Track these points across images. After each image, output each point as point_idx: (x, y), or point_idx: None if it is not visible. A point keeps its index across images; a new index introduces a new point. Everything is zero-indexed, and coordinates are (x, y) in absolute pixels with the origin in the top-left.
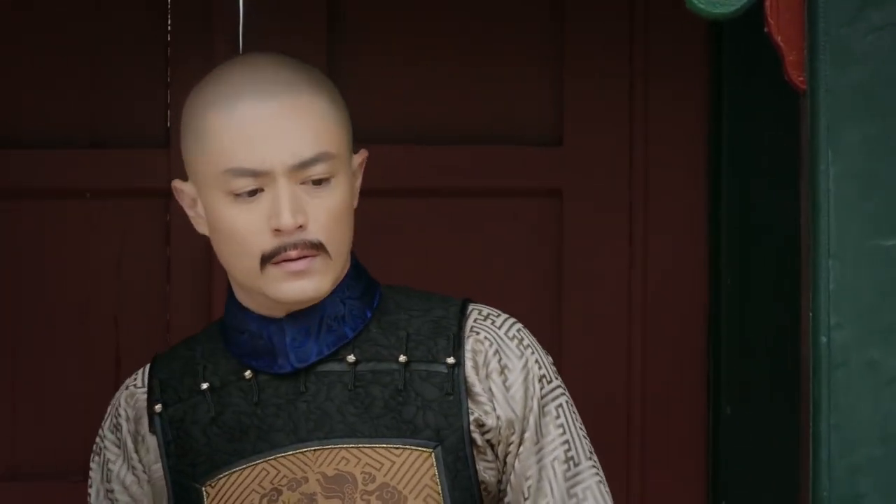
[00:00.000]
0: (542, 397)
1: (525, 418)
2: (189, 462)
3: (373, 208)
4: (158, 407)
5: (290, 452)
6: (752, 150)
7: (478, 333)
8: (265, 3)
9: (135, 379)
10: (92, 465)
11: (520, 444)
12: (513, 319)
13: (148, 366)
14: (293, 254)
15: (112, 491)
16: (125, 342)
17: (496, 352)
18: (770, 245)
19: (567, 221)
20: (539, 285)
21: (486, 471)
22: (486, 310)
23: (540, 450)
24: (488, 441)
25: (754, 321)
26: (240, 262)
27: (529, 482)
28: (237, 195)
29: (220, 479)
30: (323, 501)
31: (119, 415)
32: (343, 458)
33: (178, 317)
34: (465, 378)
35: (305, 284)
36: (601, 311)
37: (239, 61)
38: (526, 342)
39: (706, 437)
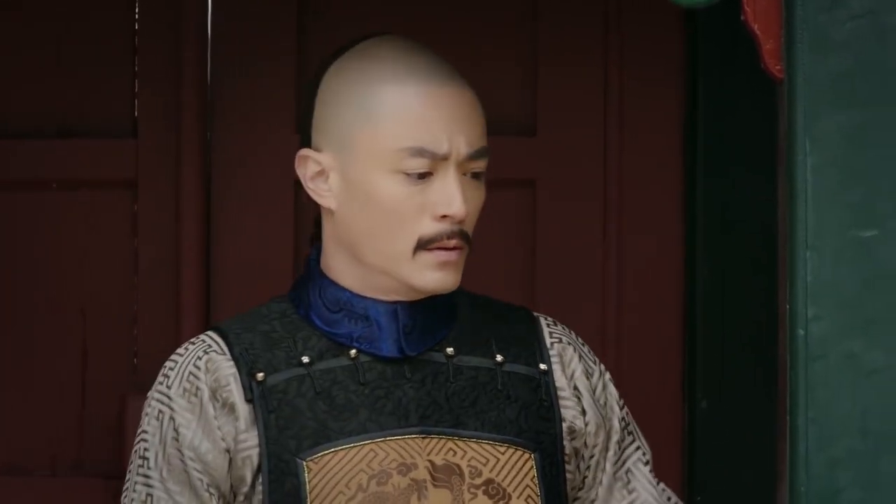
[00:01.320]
0: (619, 399)
1: (610, 419)
2: (292, 435)
3: None
4: (261, 375)
5: (400, 437)
6: (728, 140)
7: (560, 340)
8: None
9: (207, 345)
10: (147, 428)
11: (606, 448)
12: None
13: (215, 335)
14: (451, 242)
15: (183, 455)
16: (92, 334)
17: (580, 358)
18: (747, 236)
19: (541, 212)
20: (513, 276)
21: (572, 481)
22: (548, 317)
23: (624, 450)
24: (575, 449)
25: (731, 313)
26: (391, 242)
27: (620, 483)
28: (407, 175)
29: (325, 455)
30: (432, 490)
31: (198, 378)
32: (450, 448)
33: (146, 309)
34: (555, 385)
35: (448, 277)
36: (575, 303)
37: (391, 40)
38: (590, 349)
39: (682, 430)
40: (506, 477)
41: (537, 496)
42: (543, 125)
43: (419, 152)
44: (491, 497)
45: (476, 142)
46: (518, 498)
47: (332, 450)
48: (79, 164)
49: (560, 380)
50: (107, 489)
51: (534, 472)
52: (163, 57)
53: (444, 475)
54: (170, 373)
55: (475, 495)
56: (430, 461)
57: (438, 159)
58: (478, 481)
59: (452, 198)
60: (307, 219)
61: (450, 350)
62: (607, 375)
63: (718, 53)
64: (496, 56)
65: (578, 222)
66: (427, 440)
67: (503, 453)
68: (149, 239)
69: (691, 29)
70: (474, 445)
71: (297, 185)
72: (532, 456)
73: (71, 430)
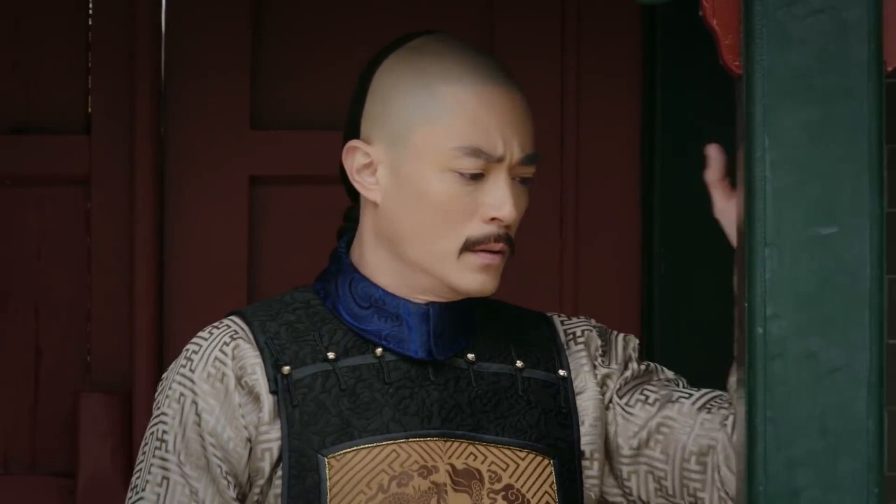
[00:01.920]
0: (636, 351)
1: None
2: (316, 430)
3: (302, 196)
4: (287, 369)
5: (422, 439)
6: (686, 135)
7: (575, 334)
8: None
9: (233, 331)
10: (167, 410)
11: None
12: None
13: (239, 321)
14: (497, 246)
15: (203, 440)
16: (45, 331)
17: (600, 334)
18: (705, 232)
19: None
20: None
21: (591, 488)
22: (561, 314)
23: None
24: (592, 453)
25: (689, 309)
26: (437, 241)
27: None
28: (461, 174)
29: (348, 453)
30: (452, 494)
31: (224, 364)
32: (471, 452)
33: (99, 306)
34: (573, 391)
35: (489, 280)
36: (530, 295)
37: (446, 38)
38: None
39: None
40: (525, 483)
41: (555, 503)
42: None
43: (474, 152)
44: (510, 502)
45: (529, 146)
46: None
47: (355, 448)
48: (32, 160)
49: (586, 376)
50: (60, 487)
51: (553, 478)
52: (116, 53)
53: (464, 479)
54: (193, 356)
55: (494, 500)
56: (450, 464)
57: (493, 161)
58: (497, 486)
59: (503, 201)
60: (262, 214)
61: (471, 356)
62: (620, 336)
63: (677, 47)
64: None
65: (534, 214)
66: (448, 443)
67: (523, 459)
68: (102, 236)
69: (649, 22)
70: (494, 450)
71: (252, 180)
72: (551, 462)
73: (24, 428)
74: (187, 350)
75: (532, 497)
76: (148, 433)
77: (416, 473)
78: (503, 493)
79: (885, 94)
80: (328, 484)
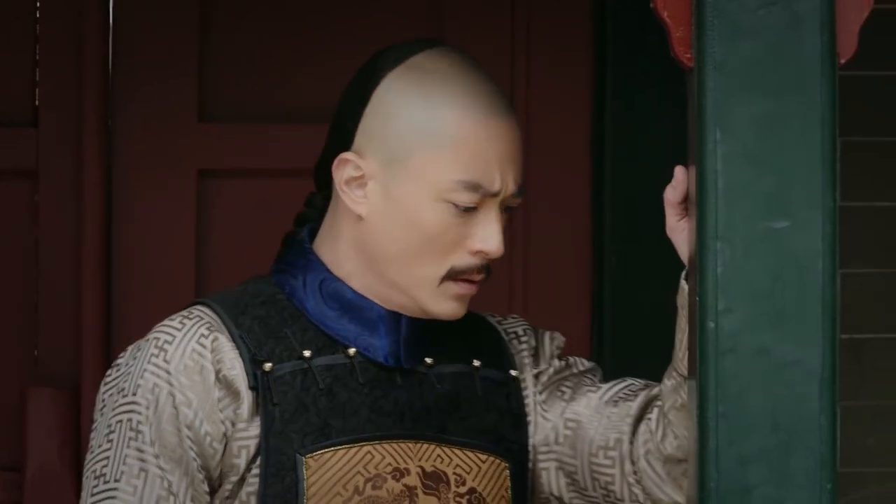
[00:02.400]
0: (560, 348)
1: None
2: (296, 430)
3: (252, 190)
4: (268, 365)
5: (395, 440)
6: (637, 128)
7: (517, 333)
8: None
9: (208, 324)
10: (140, 399)
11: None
12: None
13: (210, 312)
14: (478, 277)
15: (180, 434)
16: None
17: (534, 332)
18: (656, 225)
19: None
20: None
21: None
22: (492, 314)
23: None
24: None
25: (640, 304)
26: (421, 267)
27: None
28: (455, 206)
29: (326, 453)
30: (422, 497)
31: (202, 356)
32: (438, 455)
33: (46, 300)
34: (522, 392)
35: (461, 307)
36: (480, 293)
37: (449, 55)
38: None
39: None
40: (486, 486)
41: None
42: None
43: (473, 187)
44: None
45: (520, 178)
46: None
47: (333, 448)
48: None
49: (528, 375)
50: (7, 481)
51: (508, 482)
52: (64, 45)
53: (433, 482)
54: (167, 346)
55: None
56: (420, 467)
57: (488, 196)
58: (462, 490)
59: (493, 236)
60: (210, 208)
61: (428, 360)
62: (547, 334)
63: (627, 38)
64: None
65: None
66: (419, 445)
67: (484, 462)
68: (50, 229)
69: (600, 14)
70: (459, 452)
71: (201, 173)
72: (507, 466)
73: None
74: (157, 339)
75: (491, 501)
76: (112, 419)
77: (390, 476)
78: (468, 496)
79: (838, 86)
80: (305, 484)
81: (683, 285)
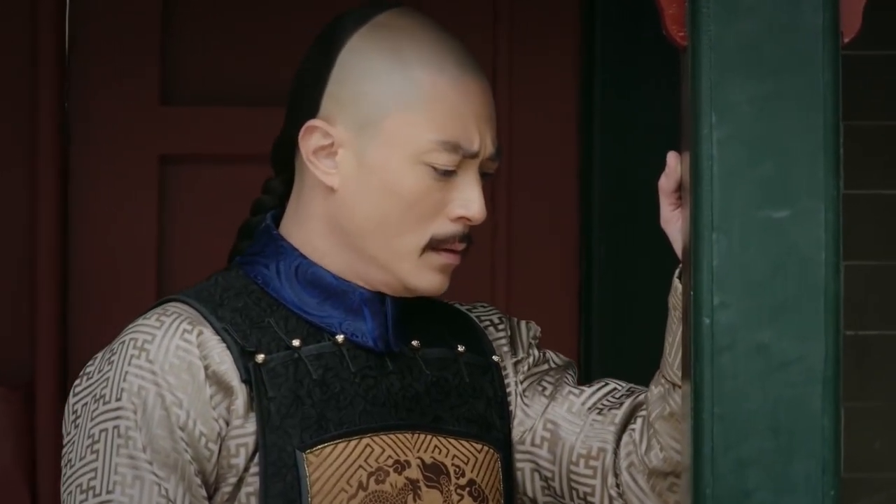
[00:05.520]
0: (536, 338)
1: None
2: (294, 424)
3: (215, 176)
4: (261, 357)
5: (392, 431)
6: (628, 111)
7: (493, 321)
8: None
9: (188, 318)
10: (126, 404)
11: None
12: None
13: (187, 307)
14: (460, 246)
15: (174, 437)
16: None
17: (508, 321)
18: (647, 214)
19: None
20: None
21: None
22: (461, 304)
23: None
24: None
25: (629, 298)
26: (401, 236)
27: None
28: (435, 168)
29: (326, 447)
30: (425, 490)
31: (189, 353)
32: (436, 445)
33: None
34: (503, 378)
35: (445, 280)
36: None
37: (414, 16)
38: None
39: None
40: (483, 477)
41: (502, 497)
42: None
43: (453, 147)
44: (475, 499)
45: (496, 140)
46: (492, 501)
47: (332, 443)
48: None
49: (508, 363)
50: None
51: (500, 472)
52: (18, 23)
53: (434, 474)
54: (147, 346)
55: (462, 497)
56: (420, 458)
57: (467, 157)
58: (462, 482)
59: (474, 200)
60: (173, 195)
61: (415, 343)
62: (523, 323)
63: (618, 18)
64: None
65: None
66: (416, 435)
67: (479, 451)
68: (3, 221)
69: None
70: (455, 442)
71: (163, 159)
72: (499, 456)
73: None
74: (135, 340)
75: (489, 493)
76: (94, 429)
77: (392, 469)
78: (468, 488)
79: (840, 66)
80: (308, 481)
81: (677, 284)
